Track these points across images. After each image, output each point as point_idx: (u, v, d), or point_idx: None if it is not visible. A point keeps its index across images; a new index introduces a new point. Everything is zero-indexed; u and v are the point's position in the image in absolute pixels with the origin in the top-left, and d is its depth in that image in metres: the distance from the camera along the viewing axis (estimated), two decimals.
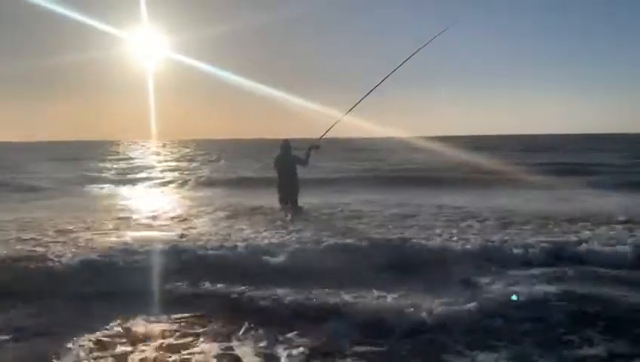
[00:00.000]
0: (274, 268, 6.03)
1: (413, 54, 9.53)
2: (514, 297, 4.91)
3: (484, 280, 5.49)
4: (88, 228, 8.35)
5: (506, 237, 7.19)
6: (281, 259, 6.25)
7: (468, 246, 6.71)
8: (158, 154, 47.24)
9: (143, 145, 72.45)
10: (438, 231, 7.79)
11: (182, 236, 7.56)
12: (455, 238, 7.23)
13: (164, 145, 72.18)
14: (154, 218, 9.65)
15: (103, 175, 21.11)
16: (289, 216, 9.16)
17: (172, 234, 7.77)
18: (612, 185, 15.15)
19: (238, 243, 6.84)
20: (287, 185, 9.69)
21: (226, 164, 29.50)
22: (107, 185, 17.50)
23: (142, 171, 23.65)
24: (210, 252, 6.50)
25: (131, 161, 33.28)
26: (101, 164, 28.98)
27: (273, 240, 7.05)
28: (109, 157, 38.00)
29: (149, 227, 8.66)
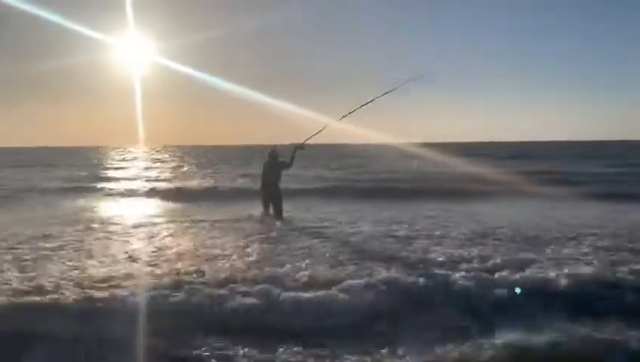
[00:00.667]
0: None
1: (383, 94, 9.53)
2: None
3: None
4: None
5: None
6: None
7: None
8: (125, 160, 45.52)
9: (124, 152, 70.24)
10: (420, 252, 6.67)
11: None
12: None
13: (147, 151, 70.10)
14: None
15: (53, 184, 19.44)
16: (273, 222, 9.14)
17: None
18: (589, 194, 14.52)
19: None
20: (271, 195, 9.78)
21: (198, 172, 27.90)
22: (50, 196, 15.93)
23: (98, 180, 22.04)
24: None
25: (98, 169, 31.56)
26: (64, 172, 27.21)
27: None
28: (81, 164, 36.31)
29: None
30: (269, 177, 9.74)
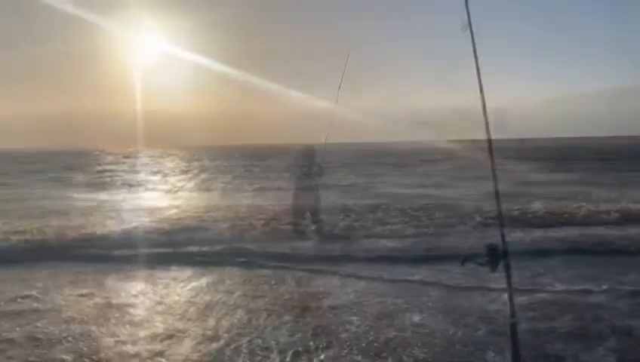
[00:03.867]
0: None
1: None
2: None
3: None
4: None
5: None
6: None
7: None
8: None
9: (100, 158, 54.68)
10: None
11: None
12: None
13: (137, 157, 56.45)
14: None
15: None
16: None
17: None
18: None
19: None
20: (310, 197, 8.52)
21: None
22: None
23: None
24: None
25: None
26: None
27: None
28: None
29: None
30: (305, 180, 8.59)
